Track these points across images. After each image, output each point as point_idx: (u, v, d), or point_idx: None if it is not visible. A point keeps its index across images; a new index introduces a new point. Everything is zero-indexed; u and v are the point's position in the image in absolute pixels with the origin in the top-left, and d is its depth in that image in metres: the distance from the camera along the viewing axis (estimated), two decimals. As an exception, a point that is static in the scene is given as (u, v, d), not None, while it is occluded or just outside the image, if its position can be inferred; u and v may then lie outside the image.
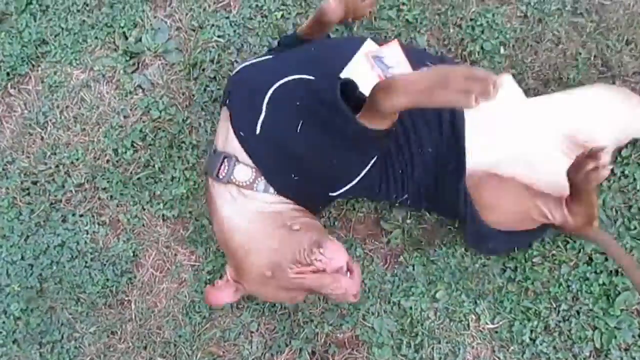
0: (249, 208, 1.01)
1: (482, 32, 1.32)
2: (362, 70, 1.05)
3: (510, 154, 1.07)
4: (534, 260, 1.24)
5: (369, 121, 0.92)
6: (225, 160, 1.02)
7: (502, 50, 1.32)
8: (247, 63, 1.13)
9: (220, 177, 1.02)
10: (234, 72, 1.14)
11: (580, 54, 1.31)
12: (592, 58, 1.31)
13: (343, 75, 1.03)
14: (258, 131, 0.99)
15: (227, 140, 1.03)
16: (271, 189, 1.02)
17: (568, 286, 1.24)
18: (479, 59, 1.32)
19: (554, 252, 1.24)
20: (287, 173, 1.02)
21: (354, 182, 1.04)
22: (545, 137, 1.07)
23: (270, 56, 1.12)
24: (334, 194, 1.07)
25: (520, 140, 1.07)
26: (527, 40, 1.32)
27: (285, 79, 1.00)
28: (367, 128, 0.92)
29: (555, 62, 1.32)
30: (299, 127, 0.97)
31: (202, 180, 1.35)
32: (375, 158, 1.03)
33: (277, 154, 1.00)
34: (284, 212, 1.02)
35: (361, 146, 0.99)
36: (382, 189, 1.10)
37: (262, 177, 1.02)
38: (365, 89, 0.95)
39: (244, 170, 1.02)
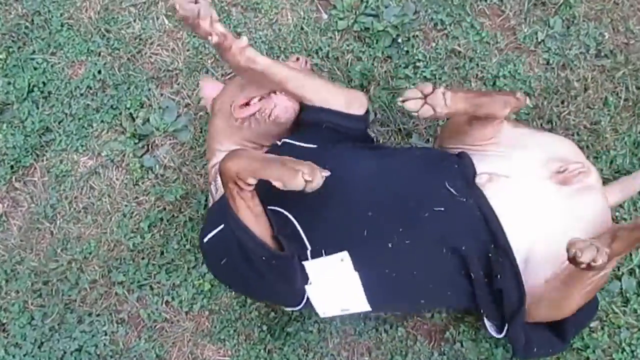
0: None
1: (505, 83, 1.27)
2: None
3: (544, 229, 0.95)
4: (591, 326, 1.15)
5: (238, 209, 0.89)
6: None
7: (527, 101, 1.26)
8: (291, 141, 1.03)
9: None
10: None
11: (609, 98, 1.25)
12: (623, 101, 1.26)
13: None
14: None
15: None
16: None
17: (632, 351, 1.14)
18: (505, 113, 1.26)
19: (610, 316, 1.16)
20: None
21: (299, 306, 1.00)
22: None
23: (312, 146, 1.02)
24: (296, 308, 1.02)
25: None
26: (552, 88, 1.27)
27: None
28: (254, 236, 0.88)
29: (584, 109, 1.26)
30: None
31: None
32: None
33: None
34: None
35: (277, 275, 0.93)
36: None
37: None
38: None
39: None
